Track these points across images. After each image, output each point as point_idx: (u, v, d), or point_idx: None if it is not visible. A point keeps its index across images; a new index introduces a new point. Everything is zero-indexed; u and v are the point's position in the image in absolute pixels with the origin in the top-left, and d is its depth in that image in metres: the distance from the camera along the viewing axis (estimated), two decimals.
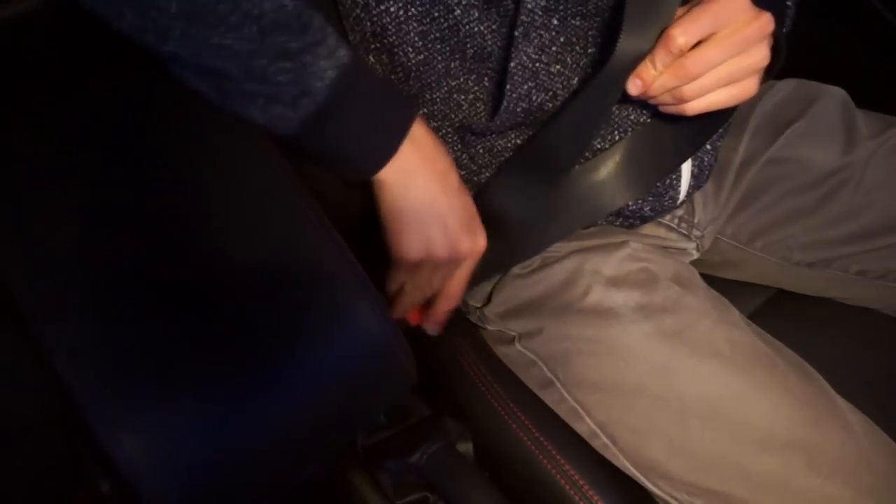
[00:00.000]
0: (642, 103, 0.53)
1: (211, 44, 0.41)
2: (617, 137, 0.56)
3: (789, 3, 0.56)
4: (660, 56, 0.47)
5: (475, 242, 0.52)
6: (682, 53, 0.46)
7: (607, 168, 0.57)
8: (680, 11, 0.47)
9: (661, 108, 0.51)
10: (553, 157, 0.54)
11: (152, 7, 0.40)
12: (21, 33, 0.47)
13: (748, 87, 0.49)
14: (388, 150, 0.47)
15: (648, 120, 0.56)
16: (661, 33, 0.47)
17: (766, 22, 0.47)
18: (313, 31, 0.43)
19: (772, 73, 0.52)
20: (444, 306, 0.57)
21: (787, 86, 0.73)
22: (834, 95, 0.71)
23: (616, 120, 0.56)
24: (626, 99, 0.51)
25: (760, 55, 0.48)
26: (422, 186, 0.49)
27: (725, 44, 0.46)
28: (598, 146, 0.57)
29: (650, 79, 0.48)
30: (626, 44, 0.47)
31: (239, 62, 0.42)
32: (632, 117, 0.56)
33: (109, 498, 0.42)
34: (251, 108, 0.44)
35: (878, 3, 0.81)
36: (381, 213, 0.50)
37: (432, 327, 0.59)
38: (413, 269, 0.53)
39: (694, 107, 0.49)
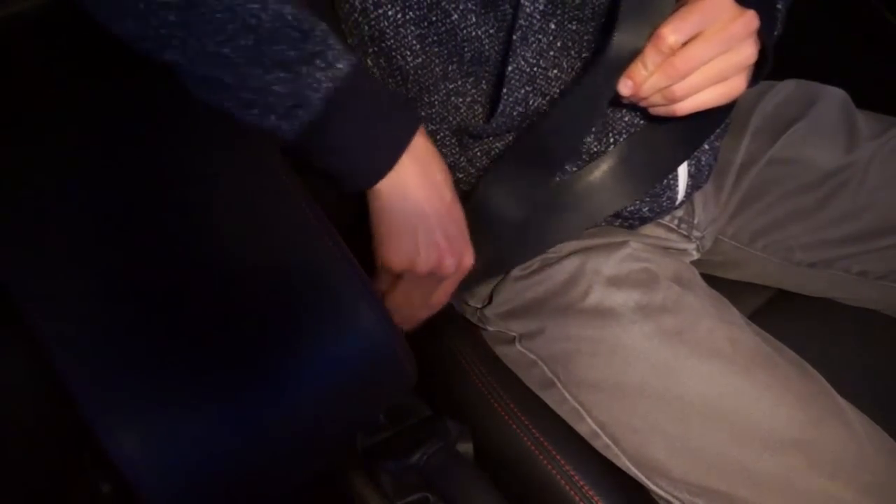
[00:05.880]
0: (636, 105, 0.53)
1: (208, 52, 0.42)
2: (612, 140, 0.56)
3: (779, 6, 0.56)
4: (650, 56, 0.47)
5: (460, 261, 0.52)
6: (672, 52, 0.47)
7: (603, 171, 0.57)
8: None
9: (652, 111, 0.51)
10: (548, 157, 0.54)
11: (151, 15, 0.40)
12: (21, 33, 0.47)
13: (736, 86, 0.50)
14: (384, 166, 0.47)
15: (643, 122, 0.56)
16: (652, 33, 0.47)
17: (751, 19, 0.47)
18: (313, 41, 0.43)
19: (762, 75, 0.52)
20: (424, 314, 0.57)
21: (787, 86, 0.73)
22: (834, 96, 0.71)
23: (610, 122, 0.56)
24: (619, 101, 0.51)
25: (747, 52, 0.48)
26: (414, 200, 0.49)
27: (713, 41, 0.46)
28: (595, 149, 0.57)
29: (641, 79, 0.48)
30: (620, 40, 0.47)
31: (235, 70, 0.42)
32: (626, 119, 0.56)
33: (109, 498, 0.42)
34: (248, 117, 0.44)
35: (878, 3, 0.81)
36: (371, 219, 0.50)
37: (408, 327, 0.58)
38: (396, 279, 0.53)
39: (684, 107, 0.49)
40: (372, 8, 0.50)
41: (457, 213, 0.52)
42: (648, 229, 0.65)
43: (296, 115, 0.44)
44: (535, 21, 0.49)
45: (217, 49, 0.42)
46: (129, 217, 0.41)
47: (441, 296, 0.55)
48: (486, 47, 0.51)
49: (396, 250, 0.51)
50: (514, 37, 0.49)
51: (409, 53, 0.51)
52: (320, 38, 0.44)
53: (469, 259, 0.53)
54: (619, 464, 0.56)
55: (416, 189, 0.48)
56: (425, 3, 0.49)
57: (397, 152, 0.47)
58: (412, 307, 0.55)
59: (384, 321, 0.43)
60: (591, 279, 0.57)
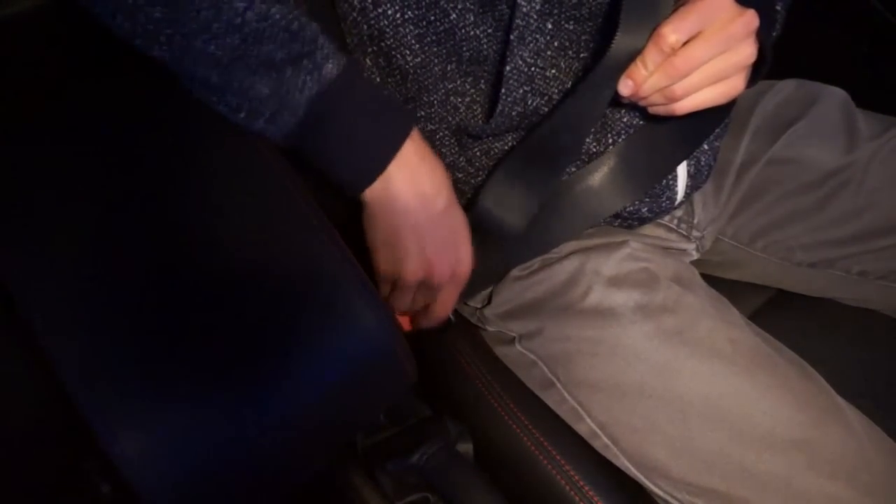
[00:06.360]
0: (634, 106, 0.53)
1: (194, 49, 0.42)
2: (610, 140, 0.57)
3: (779, 7, 0.56)
4: (651, 55, 0.47)
5: (453, 271, 0.52)
6: (672, 52, 0.47)
7: (602, 172, 0.57)
8: None
9: (651, 110, 0.51)
10: (549, 158, 0.54)
11: (139, 11, 0.40)
12: (21, 33, 0.47)
13: (735, 85, 0.50)
14: (370, 175, 0.48)
15: (641, 122, 0.56)
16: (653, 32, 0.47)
17: (751, 18, 0.47)
18: (301, 42, 0.43)
19: (760, 75, 0.52)
20: (427, 323, 0.57)
21: (787, 86, 0.73)
22: (834, 96, 0.71)
23: (609, 122, 0.56)
24: (618, 101, 0.51)
25: (747, 52, 0.48)
26: (402, 210, 0.49)
27: (713, 41, 0.46)
28: (594, 150, 0.57)
29: (641, 79, 0.48)
30: (621, 41, 0.47)
31: (221, 70, 0.42)
32: (625, 119, 0.56)
33: (109, 498, 0.42)
34: (238, 120, 0.44)
35: (877, 4, 0.81)
36: (363, 223, 0.51)
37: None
38: (390, 284, 0.53)
39: (683, 106, 0.49)
40: (371, 7, 0.50)
41: (449, 223, 0.52)
42: (648, 229, 0.65)
43: (281, 119, 0.44)
44: (531, 21, 0.49)
45: (203, 47, 0.42)
46: (129, 216, 0.41)
47: (444, 306, 0.55)
48: (485, 47, 0.51)
49: (385, 259, 0.51)
50: (512, 36, 0.49)
51: (408, 53, 0.51)
52: (309, 39, 0.44)
53: (464, 267, 0.53)
54: (618, 464, 0.56)
55: (403, 200, 0.48)
56: (424, 3, 0.49)
57: (383, 163, 0.47)
58: (424, 317, 0.55)
59: (384, 321, 0.43)
60: (590, 279, 0.57)
